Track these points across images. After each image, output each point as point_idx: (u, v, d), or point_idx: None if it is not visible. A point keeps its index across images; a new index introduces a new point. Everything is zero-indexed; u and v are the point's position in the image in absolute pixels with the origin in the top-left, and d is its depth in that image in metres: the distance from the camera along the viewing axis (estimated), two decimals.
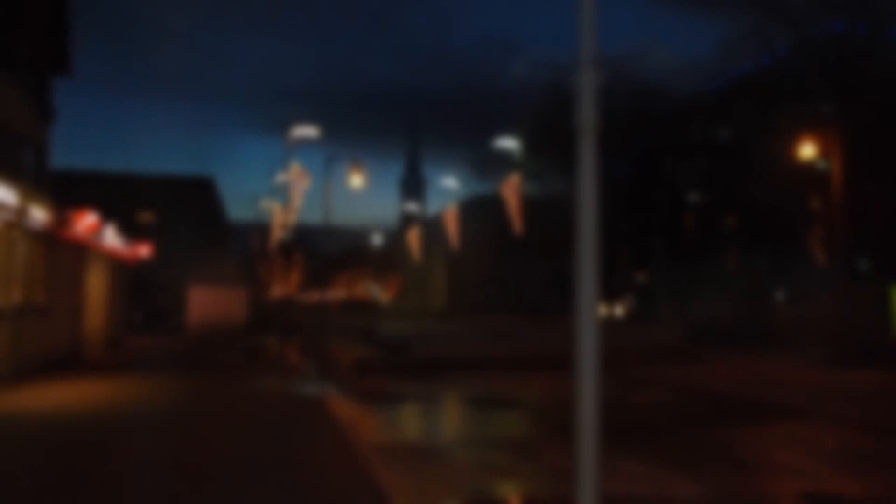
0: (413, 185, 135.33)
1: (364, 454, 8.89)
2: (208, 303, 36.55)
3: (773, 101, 33.08)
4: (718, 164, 41.47)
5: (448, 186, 57.93)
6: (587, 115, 4.76)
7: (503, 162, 48.80)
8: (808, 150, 21.83)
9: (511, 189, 48.65)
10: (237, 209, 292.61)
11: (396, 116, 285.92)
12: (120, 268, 27.74)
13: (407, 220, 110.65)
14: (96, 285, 24.27)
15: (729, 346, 29.06)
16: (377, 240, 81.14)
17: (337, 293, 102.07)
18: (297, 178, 41.93)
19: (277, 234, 47.34)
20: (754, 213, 34.06)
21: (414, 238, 58.97)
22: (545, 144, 45.64)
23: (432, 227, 70.01)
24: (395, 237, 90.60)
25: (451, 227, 58.32)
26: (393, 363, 21.07)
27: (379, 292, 62.71)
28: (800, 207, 29.58)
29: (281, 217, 42.51)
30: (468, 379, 18.64)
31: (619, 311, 53.03)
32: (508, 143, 40.93)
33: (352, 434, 10.37)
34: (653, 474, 8.46)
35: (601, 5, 4.89)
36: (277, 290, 51.59)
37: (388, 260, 77.85)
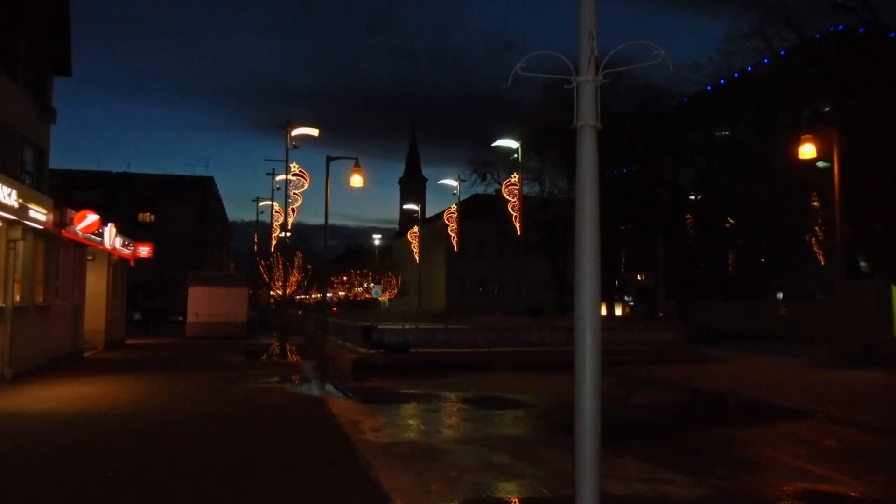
0: (413, 185, 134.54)
1: (364, 454, 8.90)
2: (209, 302, 36.39)
3: (773, 100, 33.04)
4: (718, 164, 41.46)
5: (447, 186, 57.82)
6: (587, 114, 4.79)
7: (503, 162, 48.78)
8: (807, 150, 21.81)
9: (511, 189, 48.45)
10: (237, 209, 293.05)
11: (397, 116, 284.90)
12: (120, 268, 27.75)
13: (407, 220, 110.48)
14: (96, 285, 24.27)
15: (729, 345, 29.10)
16: (377, 240, 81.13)
17: (337, 293, 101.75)
18: (298, 178, 41.83)
19: (277, 234, 47.37)
20: (754, 213, 34.08)
21: (414, 238, 58.92)
22: (545, 144, 45.52)
23: (433, 227, 69.98)
24: (396, 237, 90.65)
25: (452, 227, 58.24)
26: (392, 363, 21.08)
27: (379, 292, 62.58)
28: (800, 207, 29.54)
29: (281, 217, 42.53)
30: (467, 378, 18.64)
31: (619, 311, 53.07)
32: (508, 143, 40.79)
33: (352, 434, 10.37)
34: (652, 474, 8.47)
35: (601, 5, 4.89)
36: (278, 290, 51.54)
37: (389, 260, 77.82)
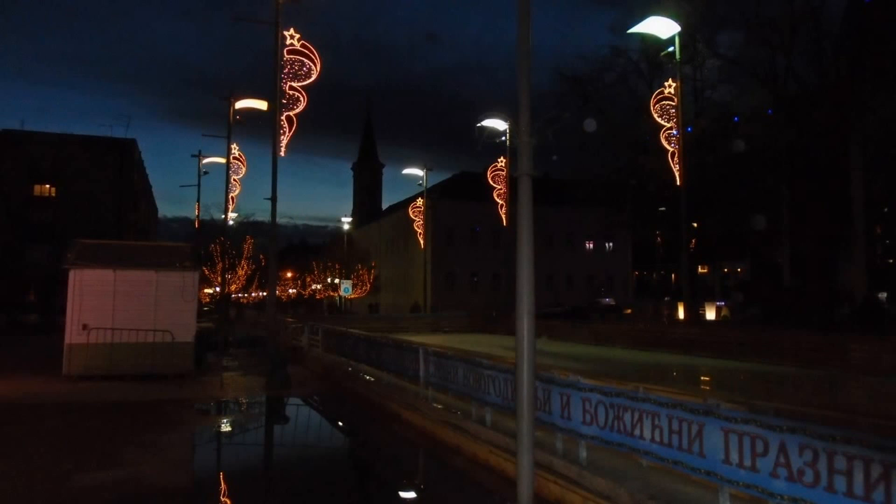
0: (368, 167, 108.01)
1: None
2: (114, 301, 17.54)
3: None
4: None
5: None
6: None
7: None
8: None
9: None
10: (168, 207, 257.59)
11: (354, 108, 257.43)
12: None
13: (363, 209, 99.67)
14: None
15: None
16: (346, 227, 72.12)
17: (286, 291, 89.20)
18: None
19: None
20: None
21: (418, 214, 48.80)
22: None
23: (401, 216, 60.70)
24: (357, 228, 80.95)
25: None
26: None
27: (349, 289, 50.83)
28: None
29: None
30: None
31: (712, 314, 32.71)
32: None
33: None
34: None
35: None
36: (227, 286, 42.94)
37: (358, 251, 68.71)
